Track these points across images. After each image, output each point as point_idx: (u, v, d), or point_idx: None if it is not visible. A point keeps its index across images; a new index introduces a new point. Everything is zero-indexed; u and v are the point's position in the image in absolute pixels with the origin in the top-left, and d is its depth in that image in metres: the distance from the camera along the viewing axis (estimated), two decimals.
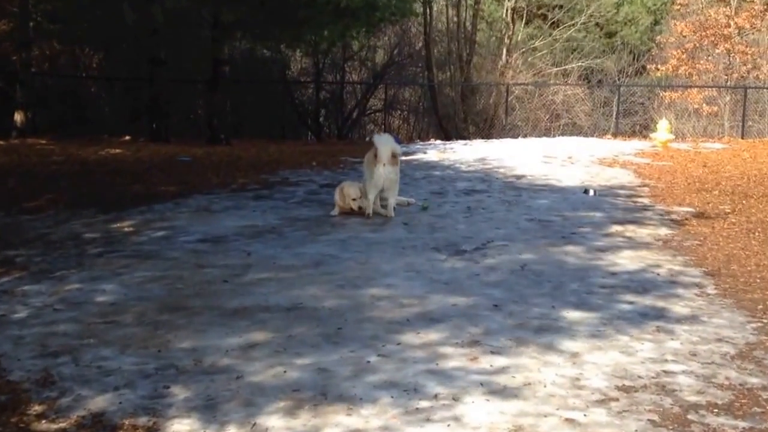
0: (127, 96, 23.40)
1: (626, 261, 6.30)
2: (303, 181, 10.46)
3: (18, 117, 18.96)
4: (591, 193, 10.20)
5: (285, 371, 3.83)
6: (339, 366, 3.91)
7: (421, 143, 21.28)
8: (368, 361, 3.97)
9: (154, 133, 19.04)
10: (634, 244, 6.93)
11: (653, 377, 3.92)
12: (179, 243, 6.62)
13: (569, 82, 27.75)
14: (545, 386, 3.77)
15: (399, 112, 28.35)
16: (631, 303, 5.19)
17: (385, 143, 8.20)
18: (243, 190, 9.56)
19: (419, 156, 15.65)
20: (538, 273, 5.89)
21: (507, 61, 27.10)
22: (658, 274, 5.91)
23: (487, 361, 4.05)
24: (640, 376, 3.93)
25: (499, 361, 4.06)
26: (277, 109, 24.87)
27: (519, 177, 11.59)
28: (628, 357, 4.19)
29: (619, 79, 26.49)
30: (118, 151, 15.04)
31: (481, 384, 3.75)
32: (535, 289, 5.46)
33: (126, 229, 7.20)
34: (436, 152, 16.78)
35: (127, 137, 20.09)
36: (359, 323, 4.56)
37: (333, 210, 8.19)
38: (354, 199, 8.02)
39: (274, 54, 24.57)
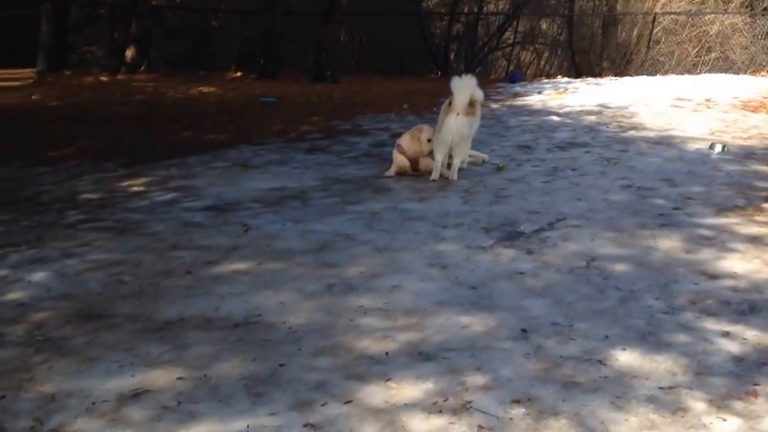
0: (244, 30, 22.70)
1: (737, 260, 4.61)
2: (376, 129, 9.16)
3: (129, 52, 18.64)
4: (717, 149, 8.26)
5: None
6: None
7: (544, 81, 19.32)
8: None
9: (262, 69, 18.22)
10: (756, 235, 5.18)
11: None
12: (178, 211, 5.56)
13: (729, 9, 24.23)
14: None
15: (533, 46, 26.11)
16: (727, 335, 3.60)
17: (463, 87, 6.68)
18: (300, 140, 8.41)
19: (529, 98, 13.90)
20: (606, 274, 4.36)
21: None
22: None
23: None
24: None
25: None
26: (406, 44, 23.40)
27: (635, 126, 9.74)
28: None
29: None
30: (211, 89, 14.28)
31: None
32: (593, 302, 3.96)
33: (135, 189, 6.24)
34: (552, 92, 14.94)
35: (239, 73, 19.48)
36: (313, 357, 3.30)
37: (389, 169, 6.87)
38: (429, 140, 6.60)
39: None
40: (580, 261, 4.58)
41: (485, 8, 24.23)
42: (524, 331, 3.58)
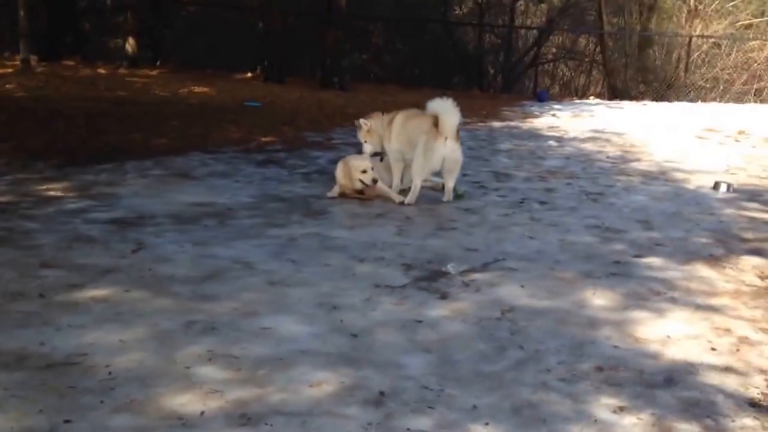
0: (251, 29, 22.24)
1: (678, 323, 3.99)
2: (346, 144, 8.66)
3: (128, 45, 18.32)
4: (722, 189, 7.63)
5: None
6: None
7: (574, 101, 18.72)
8: None
9: (268, 71, 17.81)
10: (718, 292, 4.55)
11: None
12: (79, 222, 5.08)
13: None
14: None
15: (569, 64, 25.31)
16: (619, 411, 2.98)
17: (451, 111, 6.20)
18: (258, 151, 7.93)
19: (540, 119, 13.35)
20: (517, 329, 3.78)
21: (695, 7, 22.96)
22: (730, 372, 3.58)
23: None
24: None
25: None
26: (434, 54, 22.77)
27: (639, 157, 9.20)
28: None
29: None
30: (204, 89, 13.90)
31: None
32: (484, 362, 3.38)
33: (50, 193, 5.78)
34: (568, 115, 14.35)
35: (249, 74, 19.13)
36: (111, 414, 2.75)
37: (332, 190, 6.35)
38: (364, 172, 6.10)
39: None
40: (496, 311, 4.01)
41: (516, 21, 23.47)
42: (382, 394, 3.02)
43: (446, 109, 6.19)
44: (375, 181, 6.07)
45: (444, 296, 4.18)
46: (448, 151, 6.20)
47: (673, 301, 4.32)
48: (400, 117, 6.43)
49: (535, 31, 23.05)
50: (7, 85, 11.47)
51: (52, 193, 5.74)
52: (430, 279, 4.44)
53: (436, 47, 22.96)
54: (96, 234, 4.80)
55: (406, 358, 3.37)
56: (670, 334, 3.80)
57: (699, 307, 4.22)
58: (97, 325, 3.46)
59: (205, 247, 4.70)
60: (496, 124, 12.48)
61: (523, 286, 4.41)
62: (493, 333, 3.71)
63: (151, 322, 3.54)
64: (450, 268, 4.65)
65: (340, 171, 6.20)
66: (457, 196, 6.54)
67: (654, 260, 5.11)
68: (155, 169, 6.75)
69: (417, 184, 6.25)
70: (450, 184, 6.42)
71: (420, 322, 3.79)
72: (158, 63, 18.76)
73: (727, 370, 3.43)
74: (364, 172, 6.08)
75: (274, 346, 3.38)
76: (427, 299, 4.11)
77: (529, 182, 7.64)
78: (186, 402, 2.85)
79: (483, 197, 6.56)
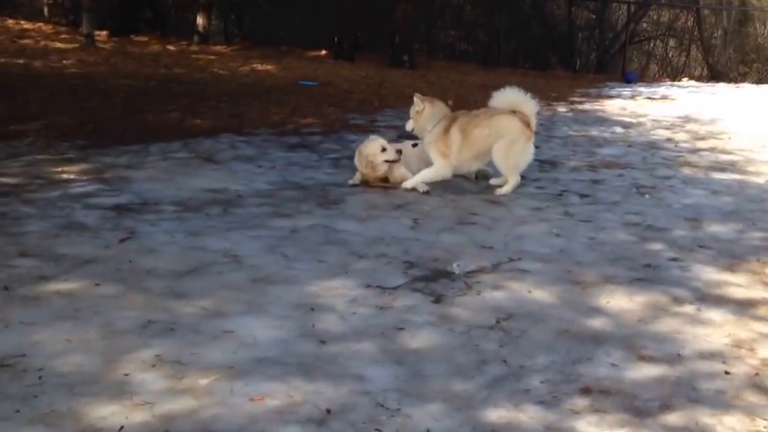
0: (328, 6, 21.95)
1: (697, 338, 3.53)
2: (388, 127, 8.32)
3: (200, 20, 18.35)
4: None
5: None
6: None
7: (664, 83, 17.81)
8: None
9: (337, 49, 17.52)
10: (752, 301, 4.04)
11: None
12: (78, 208, 4.94)
13: None
14: None
15: (666, 42, 24.00)
16: None
17: (531, 103, 5.83)
18: (293, 134, 7.69)
19: (613, 102, 12.67)
20: (508, 340, 3.40)
21: None
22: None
23: None
24: None
25: None
26: (522, 32, 21.90)
27: (713, 147, 8.56)
28: None
29: None
30: (267, 68, 13.76)
31: None
32: (457, 377, 3.03)
33: (62, 176, 5.68)
34: (650, 98, 13.61)
35: (322, 52, 18.94)
36: (23, 426, 2.56)
37: (353, 177, 6.04)
38: (384, 150, 5.75)
39: None
40: (491, 319, 3.63)
41: None
42: (328, 412, 2.72)
43: (525, 101, 5.85)
44: (399, 152, 5.74)
45: (438, 300, 3.83)
46: (532, 150, 6.03)
47: (699, 312, 3.85)
48: (461, 123, 5.78)
49: (630, 6, 21.82)
50: (64, 61, 11.59)
51: (64, 176, 5.65)
52: (430, 279, 4.09)
53: (524, 24, 22.10)
54: (90, 221, 4.65)
55: (371, 370, 3.06)
56: (683, 352, 3.36)
57: (727, 321, 3.75)
58: (50, 323, 3.27)
59: (197, 237, 4.48)
60: (562, 108, 11.89)
61: (530, 291, 4.01)
62: (480, 344, 3.35)
63: (108, 320, 3.34)
64: (455, 267, 4.29)
65: (357, 160, 5.88)
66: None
67: (691, 263, 4.62)
68: (180, 151, 6.60)
69: (512, 181, 5.97)
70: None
71: (402, 329, 3.46)
72: (236, 40, 18.71)
73: (736, 398, 2.98)
74: (384, 150, 5.73)
75: (229, 352, 3.12)
76: (418, 303, 3.77)
77: (576, 173, 7.14)
78: (109, 414, 2.62)
79: (517, 189, 6.13)
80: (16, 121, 7.03)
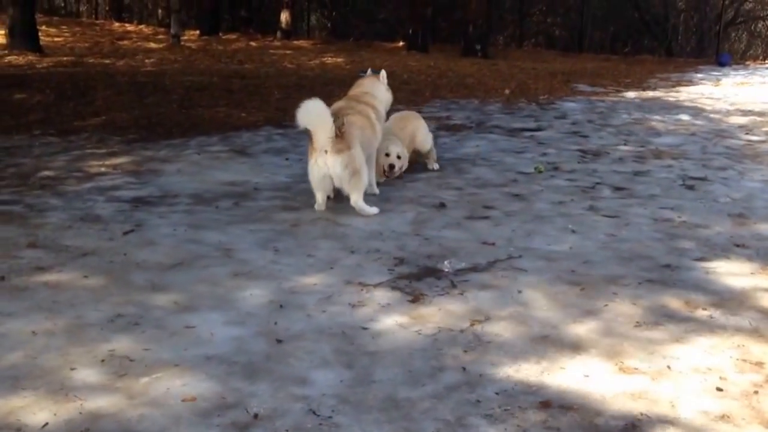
0: None
1: (695, 349, 3.30)
2: (426, 118, 8.17)
3: (283, 17, 18.79)
4: None
5: None
6: None
7: (751, 68, 16.86)
8: None
9: (411, 41, 17.60)
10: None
11: None
12: (100, 201, 5.12)
13: None
14: None
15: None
16: None
17: (322, 123, 4.98)
18: None
19: (693, 89, 12.14)
20: (475, 345, 3.29)
21: None
22: None
23: None
24: None
25: None
26: (615, 17, 21.29)
27: None
28: None
29: None
30: (337, 60, 13.87)
31: None
32: (405, 386, 2.94)
33: (100, 169, 5.92)
34: (737, 84, 12.92)
35: (400, 44, 19.02)
36: None
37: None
38: (396, 159, 5.69)
39: None
40: (465, 321, 3.53)
41: None
42: (255, 417, 2.71)
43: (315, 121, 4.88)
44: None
45: (416, 299, 3.75)
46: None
47: (711, 319, 3.59)
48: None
49: None
50: (146, 60, 12.04)
51: (102, 169, 5.86)
52: (416, 277, 4.01)
53: (618, 8, 21.33)
54: (106, 213, 4.81)
55: (317, 373, 3.02)
56: (673, 365, 3.13)
57: (738, 331, 3.46)
58: (25, 314, 3.41)
59: (198, 230, 4.56)
60: (631, 94, 11.41)
61: (520, 292, 3.87)
62: (443, 349, 3.25)
63: (80, 313, 3.44)
64: (446, 265, 4.19)
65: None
66: (538, 171, 6.05)
67: (720, 264, 4.33)
68: (217, 144, 6.73)
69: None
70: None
71: (365, 329, 3.41)
72: (317, 35, 19.06)
73: (722, 419, 2.76)
74: (388, 155, 5.70)
75: (180, 349, 3.16)
76: (394, 302, 3.71)
77: (619, 163, 6.84)
78: (39, 410, 2.70)
79: (547, 180, 5.91)
80: (80, 117, 7.37)
